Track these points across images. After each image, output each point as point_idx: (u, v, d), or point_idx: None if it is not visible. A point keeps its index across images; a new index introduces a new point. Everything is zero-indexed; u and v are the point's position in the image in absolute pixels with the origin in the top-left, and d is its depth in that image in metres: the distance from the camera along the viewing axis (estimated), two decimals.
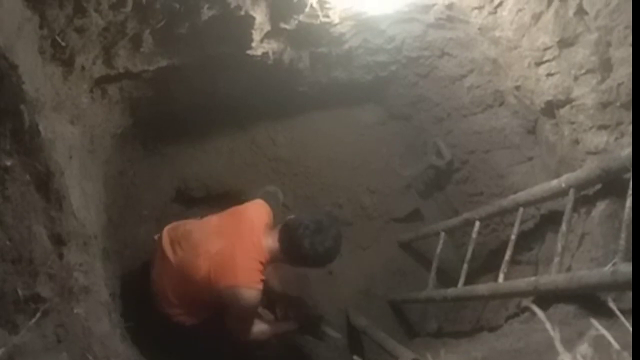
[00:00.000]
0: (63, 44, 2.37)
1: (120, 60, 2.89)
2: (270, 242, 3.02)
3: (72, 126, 2.79)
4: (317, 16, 3.15)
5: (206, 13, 2.77)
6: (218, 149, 4.25)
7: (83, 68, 2.72)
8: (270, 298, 3.59)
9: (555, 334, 0.86)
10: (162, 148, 4.12)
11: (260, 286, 2.97)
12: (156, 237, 3.34)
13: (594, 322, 0.95)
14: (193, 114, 3.95)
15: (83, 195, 2.78)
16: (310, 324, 3.64)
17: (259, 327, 3.24)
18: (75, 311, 1.64)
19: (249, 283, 2.93)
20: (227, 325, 3.12)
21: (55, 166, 1.72)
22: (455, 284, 3.16)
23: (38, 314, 1.38)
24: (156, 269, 3.23)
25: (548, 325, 0.91)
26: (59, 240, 1.68)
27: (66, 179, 2.01)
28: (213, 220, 3.23)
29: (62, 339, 1.46)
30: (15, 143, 1.50)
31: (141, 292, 3.23)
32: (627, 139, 2.34)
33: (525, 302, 2.61)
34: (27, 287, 1.39)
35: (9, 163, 1.45)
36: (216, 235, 3.09)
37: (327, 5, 3.10)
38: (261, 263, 2.99)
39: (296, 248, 2.95)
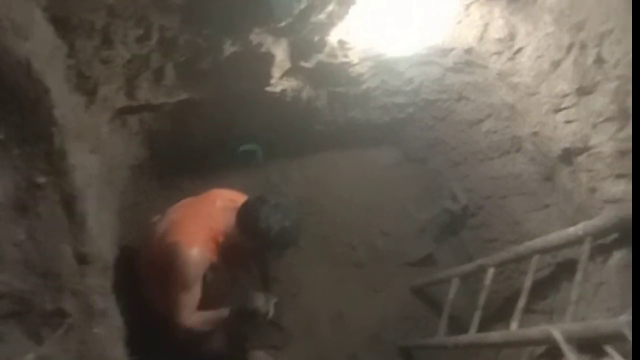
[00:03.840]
0: (88, 74, 2.42)
1: (142, 92, 2.94)
2: (228, 215, 2.97)
3: (92, 155, 2.82)
4: (337, 56, 3.21)
5: (228, 49, 2.83)
6: (233, 184, 4.23)
7: (105, 98, 2.77)
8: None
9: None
10: (178, 182, 4.13)
11: (205, 250, 2.89)
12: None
13: (608, 348, 0.93)
14: (210, 149, 3.98)
15: (99, 225, 2.79)
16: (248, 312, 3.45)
17: (198, 315, 3.05)
18: (95, 330, 1.66)
19: (193, 241, 2.86)
20: (166, 304, 2.98)
21: (78, 191, 1.76)
22: (467, 332, 3.12)
23: (63, 328, 1.41)
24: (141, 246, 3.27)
25: None
26: (82, 260, 1.73)
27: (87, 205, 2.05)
28: (189, 198, 3.30)
29: (84, 356, 1.49)
30: (47, 163, 1.58)
31: (150, 328, 3.20)
32: None
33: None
34: (53, 301, 1.42)
35: (42, 181, 1.53)
36: (182, 207, 3.16)
37: (347, 46, 3.16)
38: (212, 230, 2.94)
39: (251, 220, 2.86)
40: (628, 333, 1.93)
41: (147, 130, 3.38)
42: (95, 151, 2.82)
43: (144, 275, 3.15)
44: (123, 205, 3.51)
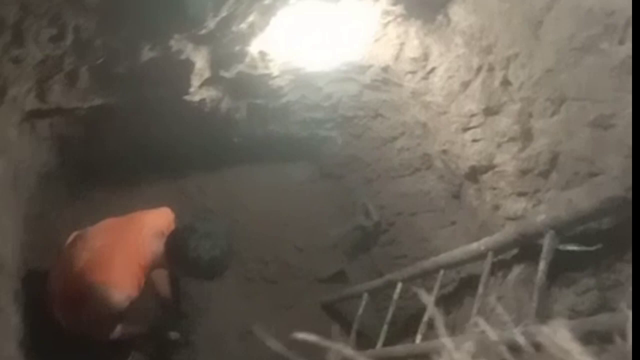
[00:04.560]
0: None
1: (53, 94, 2.85)
2: (156, 246, 2.94)
3: None
4: (257, 67, 3.21)
5: (146, 54, 2.78)
6: (146, 196, 4.15)
7: (15, 99, 2.68)
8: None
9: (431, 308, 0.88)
10: (89, 192, 4.00)
11: (132, 291, 2.86)
12: None
13: (478, 318, 0.99)
14: (123, 160, 3.87)
15: (1, 231, 2.69)
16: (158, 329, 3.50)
17: (117, 331, 3.10)
18: None
19: (119, 284, 2.82)
20: (84, 321, 2.97)
21: None
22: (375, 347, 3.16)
23: None
24: (53, 268, 3.15)
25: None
26: None
27: None
28: (109, 220, 3.17)
29: None
30: None
31: (56, 338, 3.10)
32: (544, 206, 2.44)
33: None
34: None
35: None
36: (105, 233, 3.04)
37: (268, 57, 3.17)
38: (141, 267, 2.90)
39: (179, 251, 2.87)
40: (523, 343, 2.02)
41: (58, 136, 3.28)
42: (0, 154, 2.72)
43: (59, 298, 3.04)
44: (29, 214, 3.37)
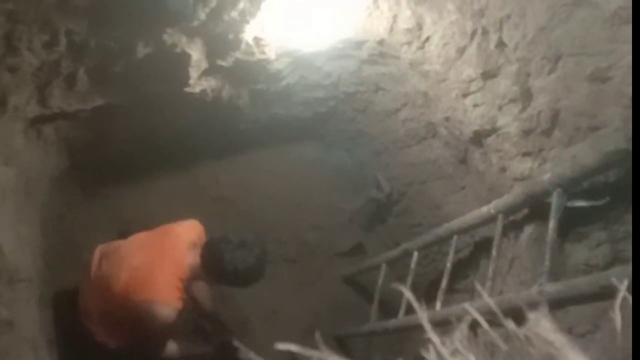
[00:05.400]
0: None
1: (54, 99, 2.87)
2: (192, 258, 2.99)
3: (6, 168, 2.75)
4: (254, 53, 3.20)
5: (142, 51, 2.78)
6: (160, 190, 4.21)
7: (16, 108, 2.70)
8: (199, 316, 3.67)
9: (419, 310, 0.89)
10: (102, 190, 4.07)
11: (177, 304, 2.94)
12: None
13: (467, 305, 0.99)
14: (133, 155, 3.91)
15: (17, 239, 2.73)
16: (226, 349, 3.52)
17: (172, 347, 3.17)
18: None
19: (165, 299, 2.90)
20: (142, 340, 3.09)
21: None
22: (397, 316, 3.19)
23: None
24: (83, 285, 3.22)
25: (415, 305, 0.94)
26: None
27: None
28: (140, 236, 3.23)
29: None
30: None
31: (81, 337, 3.16)
32: (549, 165, 2.44)
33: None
34: None
35: None
36: (140, 250, 3.09)
37: (263, 42, 3.15)
38: (181, 280, 2.96)
39: (216, 263, 2.92)
40: (540, 302, 2.03)
41: (65, 139, 3.30)
42: (9, 163, 2.76)
43: (98, 316, 3.13)
44: (45, 218, 3.42)
